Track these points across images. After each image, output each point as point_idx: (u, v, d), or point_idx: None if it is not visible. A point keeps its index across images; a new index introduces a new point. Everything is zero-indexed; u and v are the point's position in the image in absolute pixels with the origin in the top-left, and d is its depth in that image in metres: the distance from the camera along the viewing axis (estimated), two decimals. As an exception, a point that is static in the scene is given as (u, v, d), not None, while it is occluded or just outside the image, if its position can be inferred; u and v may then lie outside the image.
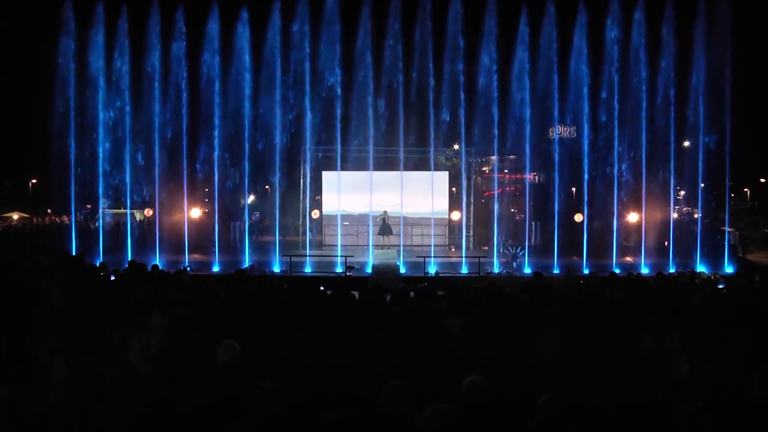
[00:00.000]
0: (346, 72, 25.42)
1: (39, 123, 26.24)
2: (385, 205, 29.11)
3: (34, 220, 46.28)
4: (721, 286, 14.93)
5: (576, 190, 28.25)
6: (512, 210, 30.75)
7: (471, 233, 30.52)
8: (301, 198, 29.80)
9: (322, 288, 12.69)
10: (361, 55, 25.41)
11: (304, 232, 28.65)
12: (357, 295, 10.66)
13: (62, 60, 24.28)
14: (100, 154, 24.80)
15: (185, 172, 25.37)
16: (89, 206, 29.06)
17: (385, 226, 29.01)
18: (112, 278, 13.65)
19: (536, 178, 32.21)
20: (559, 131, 27.96)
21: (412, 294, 11.15)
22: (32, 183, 53.81)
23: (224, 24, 25.11)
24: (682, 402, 5.55)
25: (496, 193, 28.65)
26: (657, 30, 24.89)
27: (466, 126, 26.20)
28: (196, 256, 25.08)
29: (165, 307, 8.94)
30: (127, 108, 24.90)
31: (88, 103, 24.69)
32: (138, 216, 30.91)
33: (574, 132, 28.04)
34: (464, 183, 29.69)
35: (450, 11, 25.21)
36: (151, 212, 28.39)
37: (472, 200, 31.19)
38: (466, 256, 25.61)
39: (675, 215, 27.78)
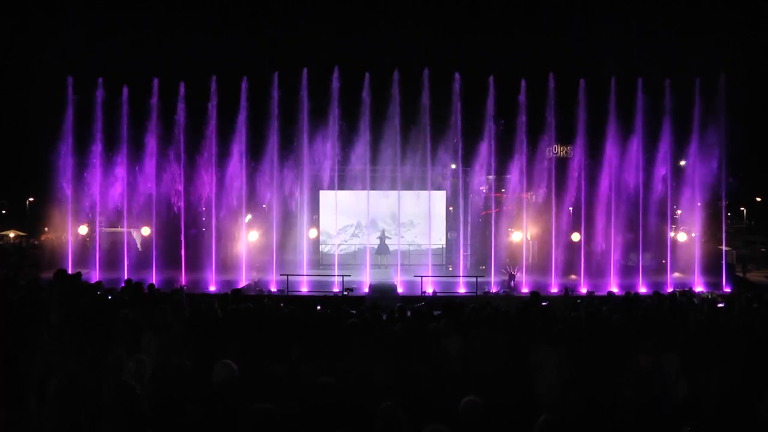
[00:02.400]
0: (346, 86, 25.62)
1: (35, 142, 26.33)
2: (382, 225, 29.22)
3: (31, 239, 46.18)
4: (720, 305, 14.88)
5: (573, 210, 28.31)
6: (509, 229, 30.76)
7: (468, 252, 30.54)
8: (298, 217, 29.81)
9: (318, 307, 12.63)
10: (360, 74, 25.66)
11: (301, 251, 28.65)
12: (353, 315, 10.61)
13: (59, 78, 24.43)
14: (98, 173, 24.83)
15: (183, 190, 25.38)
16: (86, 225, 29.02)
17: (382, 245, 29.00)
18: (109, 297, 13.57)
19: (533, 197, 32.26)
20: (555, 151, 28.07)
21: (409, 313, 11.11)
22: (29, 201, 53.82)
23: (223, 39, 25.33)
24: (681, 422, 5.51)
25: (493, 212, 28.69)
26: (652, 47, 25.18)
27: (463, 146, 26.35)
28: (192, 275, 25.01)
29: (159, 327, 8.89)
30: (125, 126, 24.98)
31: (84, 123, 24.78)
32: (135, 235, 30.84)
33: (571, 151, 28.15)
34: (461, 202, 29.76)
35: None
36: (148, 231, 28.34)
37: (469, 220, 31.23)
38: (463, 276, 25.58)
39: (672, 234, 27.80)
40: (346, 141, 26.44)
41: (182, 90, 25.31)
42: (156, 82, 25.09)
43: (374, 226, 29.49)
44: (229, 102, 25.42)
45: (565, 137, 27.30)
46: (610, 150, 25.63)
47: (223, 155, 25.62)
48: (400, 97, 25.65)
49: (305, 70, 25.46)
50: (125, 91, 25.04)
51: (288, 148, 26.42)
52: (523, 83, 25.62)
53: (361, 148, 25.93)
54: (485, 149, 26.11)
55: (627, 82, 25.57)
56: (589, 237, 26.44)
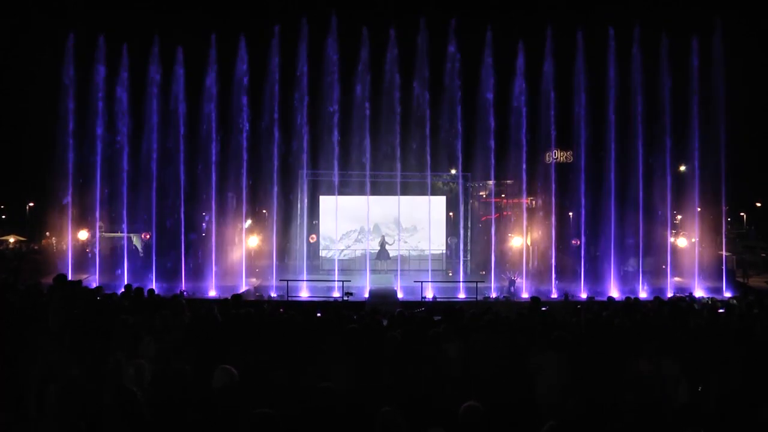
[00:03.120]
0: (345, 97, 25.64)
1: (36, 146, 26.33)
2: (382, 230, 29.26)
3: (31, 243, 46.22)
4: (720, 311, 14.86)
5: (573, 215, 28.33)
6: (510, 235, 30.78)
7: (468, 258, 30.55)
8: (298, 223, 29.83)
9: (318, 313, 12.62)
10: (361, 81, 25.67)
11: (301, 257, 28.66)
12: (353, 320, 10.60)
13: (61, 85, 24.45)
14: (98, 179, 24.85)
15: (182, 198, 25.39)
16: (86, 230, 29.02)
17: (382, 251, 29.01)
18: (108, 302, 13.55)
19: (533, 202, 32.28)
20: (555, 156, 28.09)
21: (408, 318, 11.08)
22: (29, 206, 53.85)
23: (222, 50, 25.38)
24: (682, 426, 5.50)
25: (493, 217, 28.70)
26: (654, 61, 25.23)
27: (463, 151, 26.39)
28: (193, 280, 25.01)
29: (159, 332, 8.89)
30: (125, 132, 25.00)
31: (86, 127, 24.80)
32: (135, 241, 30.84)
33: (571, 156, 28.17)
34: (461, 208, 29.79)
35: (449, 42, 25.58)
36: (148, 236, 28.34)
37: (469, 225, 31.24)
38: (463, 281, 25.57)
39: (672, 240, 27.79)
40: (347, 146, 26.48)
41: (181, 88, 25.34)
42: (155, 73, 25.12)
43: (377, 231, 29.52)
44: (229, 106, 25.46)
45: (565, 142, 27.34)
46: (610, 155, 25.64)
47: (224, 160, 25.62)
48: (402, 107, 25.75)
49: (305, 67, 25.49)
50: (124, 96, 25.06)
51: (287, 153, 26.44)
52: (522, 88, 25.64)
53: (364, 155, 25.96)
54: (485, 155, 26.12)
55: (626, 87, 25.62)
56: (589, 242, 26.43)
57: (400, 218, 29.06)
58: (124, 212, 25.50)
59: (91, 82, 24.63)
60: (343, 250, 29.87)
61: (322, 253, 30.14)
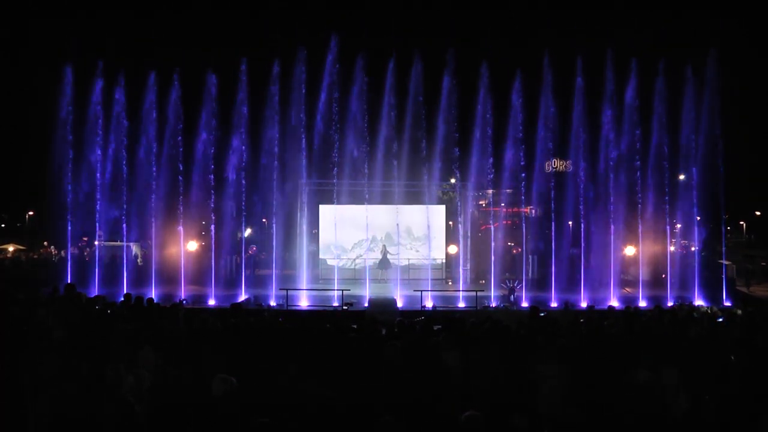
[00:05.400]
0: (345, 107, 25.70)
1: (35, 156, 26.35)
2: (394, 239, 29.39)
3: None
4: (720, 320, 14.85)
5: (573, 224, 28.32)
6: (510, 243, 30.78)
7: (468, 267, 30.54)
8: (298, 231, 29.82)
9: (318, 322, 12.61)
10: (360, 90, 25.76)
11: (301, 266, 28.64)
12: (353, 329, 10.60)
13: (60, 96, 24.52)
14: (98, 187, 24.86)
15: (181, 205, 25.40)
16: (85, 239, 29.01)
17: (384, 260, 29.00)
18: (108, 311, 13.55)
19: (533, 211, 32.29)
20: (554, 165, 28.13)
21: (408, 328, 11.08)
22: (28, 215, 53.86)
23: (222, 63, 25.51)
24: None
25: (492, 226, 28.70)
26: (653, 69, 25.32)
27: (462, 160, 26.46)
28: (192, 289, 24.98)
29: (158, 341, 8.88)
30: (125, 141, 25.04)
31: (85, 136, 24.84)
32: (135, 249, 30.84)
33: (570, 166, 28.21)
34: (460, 217, 29.81)
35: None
36: (146, 249, 28.34)
37: (469, 234, 31.24)
38: (463, 290, 25.54)
39: (672, 248, 27.78)
40: (348, 156, 26.52)
41: (179, 87, 25.41)
42: (153, 75, 25.18)
43: (389, 240, 29.56)
44: (229, 112, 25.53)
45: (564, 152, 27.38)
46: (609, 164, 25.67)
47: (223, 168, 25.65)
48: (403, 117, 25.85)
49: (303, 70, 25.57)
50: (123, 99, 25.12)
51: (288, 162, 26.47)
52: (519, 98, 25.73)
53: (371, 164, 26.06)
54: (485, 165, 26.19)
55: (625, 94, 25.69)
56: (588, 251, 26.41)
57: (401, 227, 29.11)
58: (124, 221, 25.49)
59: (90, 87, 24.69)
60: (354, 260, 29.96)
61: (332, 263, 30.08)
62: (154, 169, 25.14)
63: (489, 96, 25.80)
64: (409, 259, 29.80)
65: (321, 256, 30.75)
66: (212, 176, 25.25)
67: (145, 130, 25.14)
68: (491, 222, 29.09)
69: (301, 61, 25.10)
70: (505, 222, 32.52)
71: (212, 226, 25.83)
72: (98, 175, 24.90)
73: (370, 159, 26.11)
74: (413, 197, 29.78)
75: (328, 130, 25.72)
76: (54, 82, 24.50)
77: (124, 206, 25.25)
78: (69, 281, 23.10)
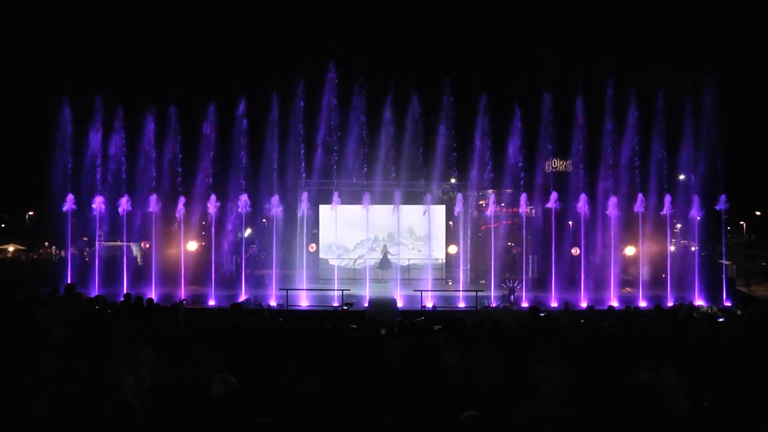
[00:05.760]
0: (345, 106, 25.73)
1: (36, 156, 26.31)
2: (396, 239, 29.41)
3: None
4: (721, 320, 14.84)
5: (572, 224, 28.31)
6: (509, 243, 30.77)
7: (468, 267, 30.54)
8: (298, 232, 29.81)
9: (318, 322, 12.60)
10: (361, 90, 25.79)
11: (301, 266, 28.63)
12: (353, 330, 10.59)
13: (60, 95, 24.54)
14: (98, 187, 24.86)
15: (182, 204, 25.38)
16: (85, 238, 28.98)
17: (384, 260, 29.00)
18: (108, 311, 13.54)
19: (533, 211, 32.26)
20: (554, 165, 28.11)
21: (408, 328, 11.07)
22: (29, 215, 53.82)
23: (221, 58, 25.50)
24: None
25: (492, 227, 28.68)
26: (654, 67, 25.34)
27: (462, 160, 26.46)
28: (192, 289, 24.98)
29: (158, 340, 8.88)
30: (125, 142, 25.06)
31: (85, 136, 24.84)
32: (135, 250, 30.83)
33: (570, 166, 28.19)
34: (461, 217, 29.79)
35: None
36: (147, 245, 28.32)
37: (468, 234, 31.23)
38: (463, 290, 25.53)
39: (672, 248, 27.77)
40: (348, 156, 26.52)
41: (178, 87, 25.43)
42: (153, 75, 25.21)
43: (391, 239, 29.57)
44: (228, 115, 25.51)
45: (564, 151, 27.36)
46: (609, 164, 25.67)
47: (223, 169, 25.66)
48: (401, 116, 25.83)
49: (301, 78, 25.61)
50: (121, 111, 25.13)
51: (288, 162, 26.48)
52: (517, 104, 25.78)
53: (364, 164, 26.04)
54: (485, 165, 26.19)
55: (625, 97, 25.69)
56: (588, 251, 26.41)
57: (403, 227, 29.18)
58: (124, 221, 25.46)
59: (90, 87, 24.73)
60: (356, 259, 29.96)
61: (334, 263, 30.07)
62: (154, 169, 25.14)
63: (489, 96, 25.82)
64: (409, 259, 29.80)
65: (323, 256, 30.75)
66: (211, 178, 25.28)
67: (145, 130, 25.15)
68: (491, 222, 29.07)
69: (302, 64, 25.16)
70: (505, 222, 32.50)
71: (212, 227, 25.82)
72: (98, 173, 24.90)
73: (371, 159, 26.13)
74: (414, 197, 29.76)
75: (330, 129, 25.74)
76: (53, 82, 24.52)
77: (124, 206, 25.23)
78: (69, 281, 23.10)
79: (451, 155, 26.46)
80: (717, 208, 24.80)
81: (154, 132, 25.26)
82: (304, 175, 27.36)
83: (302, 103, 25.66)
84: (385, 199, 28.27)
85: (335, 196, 26.71)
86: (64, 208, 23.99)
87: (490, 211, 26.72)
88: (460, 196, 28.87)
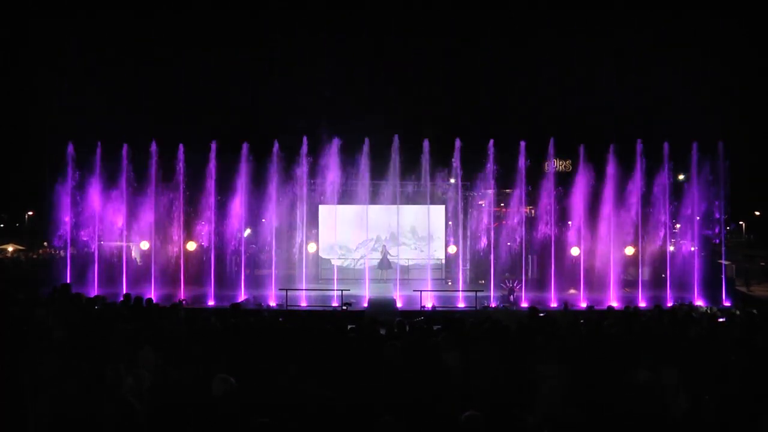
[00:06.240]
0: (345, 105, 25.72)
1: (35, 156, 26.31)
2: (402, 239, 29.44)
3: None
4: (722, 320, 14.84)
5: (572, 224, 28.31)
6: (508, 244, 30.76)
7: (468, 267, 30.54)
8: (297, 231, 29.80)
9: (318, 322, 12.59)
10: (360, 90, 25.78)
11: (301, 266, 28.62)
12: (353, 330, 10.59)
13: (59, 88, 24.54)
14: (98, 189, 24.85)
15: (182, 205, 25.37)
16: (85, 239, 28.98)
17: (384, 261, 29.02)
18: (108, 312, 13.54)
19: (532, 211, 32.26)
20: (554, 165, 28.09)
21: (408, 328, 11.08)
22: (28, 215, 53.83)
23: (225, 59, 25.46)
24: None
25: (492, 226, 28.68)
26: (654, 68, 25.34)
27: (462, 160, 26.42)
28: (192, 289, 24.97)
29: (158, 341, 8.88)
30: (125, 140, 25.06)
31: (84, 136, 24.85)
32: (134, 251, 30.81)
33: (570, 166, 28.18)
34: (461, 217, 29.80)
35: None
36: (147, 245, 28.30)
37: (468, 234, 31.23)
38: (462, 290, 25.54)
39: (672, 248, 27.75)
40: (348, 155, 26.51)
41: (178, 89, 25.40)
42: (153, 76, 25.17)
43: (394, 240, 29.58)
44: (228, 117, 25.50)
45: (565, 151, 27.35)
46: (609, 164, 25.65)
47: (224, 170, 25.65)
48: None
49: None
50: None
51: (288, 162, 26.47)
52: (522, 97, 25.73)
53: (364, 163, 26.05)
54: (485, 164, 26.18)
55: (625, 98, 25.68)
56: (588, 251, 26.39)
57: (405, 227, 29.29)
58: (124, 220, 25.46)
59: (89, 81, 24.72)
60: (359, 260, 29.97)
61: (337, 263, 30.06)
62: (154, 170, 25.13)
63: (488, 96, 25.82)
64: (408, 259, 29.81)
65: (325, 256, 30.76)
66: (212, 180, 25.26)
67: (144, 130, 25.16)
68: (491, 222, 29.08)
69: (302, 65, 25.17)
70: (505, 222, 32.49)
71: (212, 227, 25.82)
72: (98, 172, 24.89)
73: (371, 158, 26.13)
74: (414, 197, 29.75)
75: (330, 130, 25.77)
76: (55, 81, 24.52)
77: (125, 206, 25.24)
78: (68, 281, 23.10)
79: (451, 155, 26.42)
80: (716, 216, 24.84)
81: (153, 131, 25.26)
82: (304, 173, 27.32)
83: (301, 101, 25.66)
84: (385, 199, 28.27)
85: (335, 196, 26.75)
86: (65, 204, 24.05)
87: (490, 210, 26.72)
88: (460, 196, 28.92)
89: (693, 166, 25.41)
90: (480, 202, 33.69)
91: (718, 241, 24.91)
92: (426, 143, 26.27)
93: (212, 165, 25.17)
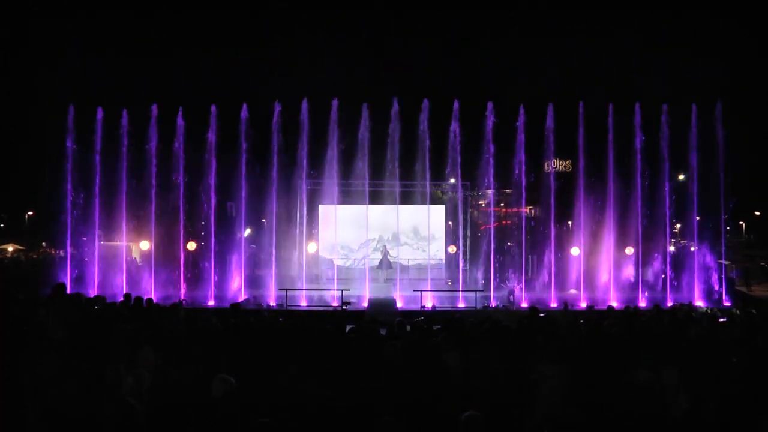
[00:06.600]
0: (345, 105, 25.70)
1: (34, 156, 26.28)
2: (404, 239, 29.43)
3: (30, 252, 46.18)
4: (722, 320, 14.84)
5: (572, 224, 28.32)
6: (509, 244, 30.78)
7: (467, 267, 30.55)
8: (297, 231, 29.80)
9: (317, 321, 12.59)
10: (361, 90, 25.78)
11: (300, 266, 28.62)
12: (353, 329, 10.58)
13: (61, 90, 24.53)
14: (97, 187, 24.85)
15: (182, 205, 25.37)
16: (84, 239, 28.98)
17: (384, 261, 29.05)
18: (107, 312, 13.52)
19: (532, 211, 32.27)
20: (554, 165, 28.10)
21: (408, 328, 11.07)
22: (28, 215, 53.84)
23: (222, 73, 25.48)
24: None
25: (492, 226, 28.69)
26: (652, 68, 25.33)
27: (462, 160, 26.42)
28: (192, 289, 24.97)
29: (158, 341, 8.87)
30: (125, 141, 25.03)
31: (84, 136, 24.83)
32: (134, 252, 30.80)
33: (570, 166, 28.18)
34: (460, 217, 29.80)
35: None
36: (148, 245, 28.30)
37: (468, 234, 31.24)
38: (462, 290, 25.54)
39: (672, 249, 27.77)
40: (347, 156, 26.50)
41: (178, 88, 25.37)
42: (155, 107, 25.14)
43: (396, 240, 29.60)
44: (228, 115, 25.49)
45: (565, 151, 27.34)
46: (609, 164, 25.66)
47: (222, 169, 25.64)
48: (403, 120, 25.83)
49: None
50: (125, 113, 25.08)
51: (288, 161, 26.46)
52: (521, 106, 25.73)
53: (364, 164, 26.04)
54: (485, 164, 26.17)
55: (626, 97, 25.67)
56: (588, 251, 26.39)
57: (408, 227, 29.34)
58: (123, 220, 25.46)
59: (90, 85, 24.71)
60: (362, 260, 29.98)
61: (340, 263, 30.05)
62: (154, 170, 25.12)
63: (488, 95, 25.81)
64: (408, 259, 29.81)
65: (327, 256, 30.76)
66: (212, 181, 25.26)
67: (144, 129, 25.13)
68: (491, 222, 29.08)
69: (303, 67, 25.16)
70: (504, 222, 32.51)
71: (212, 227, 25.82)
72: (98, 173, 24.89)
73: (372, 158, 26.13)
74: (417, 197, 29.75)
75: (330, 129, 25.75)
76: (55, 82, 24.49)
77: (124, 206, 25.23)
78: (68, 281, 23.11)
79: (451, 154, 26.42)
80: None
81: (153, 132, 25.22)
82: (304, 174, 27.33)
83: (302, 102, 25.63)
84: (387, 199, 28.28)
85: (336, 196, 26.76)
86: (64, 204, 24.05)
87: (489, 210, 26.73)
88: (460, 196, 28.93)
89: (693, 169, 25.43)
90: (480, 202, 33.73)
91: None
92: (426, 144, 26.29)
93: (212, 165, 25.19)
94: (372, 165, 26.18)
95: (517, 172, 25.74)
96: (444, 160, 26.69)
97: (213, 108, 25.19)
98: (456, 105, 25.72)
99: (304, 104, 25.57)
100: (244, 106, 25.31)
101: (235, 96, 25.42)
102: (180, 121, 25.23)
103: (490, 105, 25.33)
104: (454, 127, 25.65)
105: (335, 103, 25.48)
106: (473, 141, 26.09)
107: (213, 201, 25.35)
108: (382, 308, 21.20)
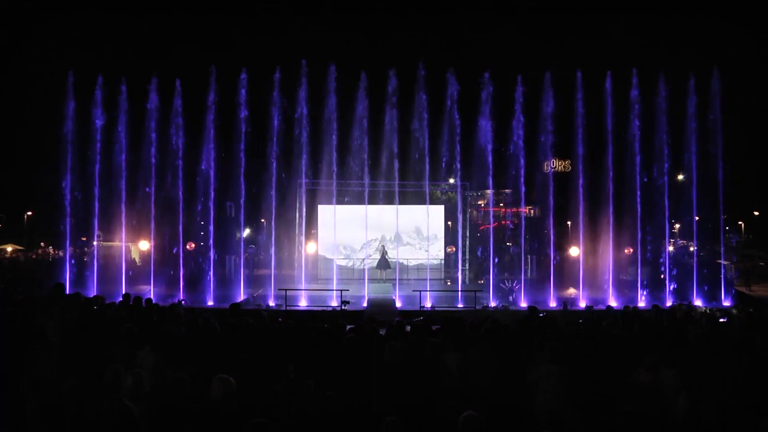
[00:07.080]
0: (344, 105, 25.70)
1: (34, 155, 26.26)
2: (404, 239, 29.42)
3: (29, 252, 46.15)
4: (722, 320, 14.84)
5: (571, 224, 28.33)
6: (508, 244, 30.82)
7: (467, 267, 30.56)
8: (297, 232, 29.81)
9: (317, 321, 12.58)
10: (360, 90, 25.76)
11: (300, 266, 28.63)
12: (352, 330, 10.57)
13: (59, 93, 24.51)
14: (96, 187, 24.83)
15: (180, 206, 25.36)
16: (84, 239, 28.97)
17: (383, 260, 29.04)
18: (106, 311, 13.51)
19: (531, 211, 32.28)
20: (554, 165, 28.10)
21: (408, 328, 11.06)
22: (27, 215, 53.81)
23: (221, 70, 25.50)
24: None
25: (491, 226, 28.70)
26: (652, 64, 25.32)
27: (461, 160, 26.44)
28: (191, 289, 24.95)
29: (157, 341, 8.86)
30: (123, 140, 25.01)
31: (83, 136, 24.81)
32: (133, 251, 30.81)
33: (569, 166, 28.19)
34: (460, 217, 29.81)
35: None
36: (147, 245, 28.30)
37: (467, 234, 31.24)
38: (462, 290, 25.54)
39: (671, 248, 27.78)
40: (346, 156, 26.50)
41: (177, 86, 25.37)
42: (154, 80, 25.12)
43: (398, 240, 29.60)
44: (228, 114, 25.49)
45: (564, 152, 27.35)
46: (608, 164, 25.66)
47: (222, 169, 25.64)
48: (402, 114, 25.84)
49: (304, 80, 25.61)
50: (124, 94, 25.07)
51: (287, 161, 26.47)
52: (520, 94, 25.71)
53: (363, 164, 26.04)
54: (484, 164, 26.17)
55: (625, 97, 25.67)
56: (587, 251, 26.40)
57: (410, 227, 29.35)
58: (123, 221, 25.45)
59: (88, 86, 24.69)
60: (364, 260, 29.98)
61: (342, 263, 30.04)
62: (153, 170, 25.11)
63: (489, 95, 25.78)
64: (407, 259, 29.83)
65: (329, 256, 30.77)
66: (212, 179, 25.24)
67: (143, 129, 25.12)
68: (490, 222, 29.10)
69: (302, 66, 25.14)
70: (504, 222, 32.52)
71: (211, 227, 25.81)
72: (97, 174, 24.87)
73: (371, 159, 26.14)
74: (418, 197, 29.77)
75: (330, 129, 25.73)
76: (55, 83, 24.48)
77: (123, 206, 25.21)
78: (67, 282, 23.10)
79: (451, 155, 26.43)
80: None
81: (154, 132, 25.22)
82: (304, 174, 27.33)
83: (303, 104, 25.63)
84: (388, 199, 28.28)
85: (335, 196, 26.75)
86: (63, 204, 24.04)
87: (488, 210, 26.74)
88: (459, 196, 28.94)
89: (693, 169, 25.45)
90: (479, 202, 33.73)
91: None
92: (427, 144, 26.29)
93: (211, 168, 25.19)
94: (371, 165, 26.19)
95: (513, 173, 25.74)
96: (443, 159, 26.71)
97: (213, 106, 25.21)
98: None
99: (304, 105, 25.59)
100: (244, 106, 25.34)
101: (235, 95, 25.40)
102: (179, 121, 25.24)
103: (488, 107, 25.38)
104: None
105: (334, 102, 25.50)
106: (473, 141, 26.11)
107: (212, 200, 25.32)
108: (382, 308, 21.19)
